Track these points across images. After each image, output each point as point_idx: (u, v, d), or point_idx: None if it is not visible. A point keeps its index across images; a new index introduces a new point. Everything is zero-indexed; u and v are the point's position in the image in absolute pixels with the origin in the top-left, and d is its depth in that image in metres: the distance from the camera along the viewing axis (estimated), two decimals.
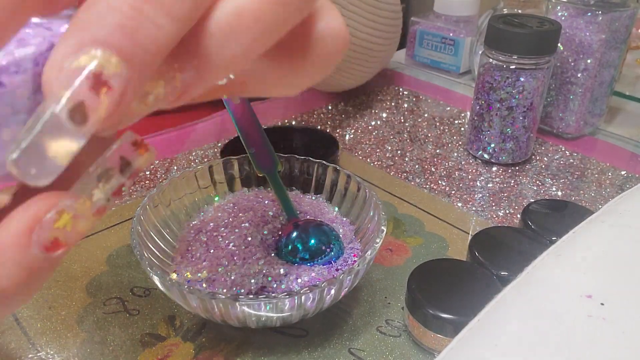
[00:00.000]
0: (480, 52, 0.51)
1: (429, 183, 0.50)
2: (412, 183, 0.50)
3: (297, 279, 0.33)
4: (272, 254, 0.36)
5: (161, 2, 0.14)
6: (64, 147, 0.14)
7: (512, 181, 0.50)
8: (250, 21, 0.16)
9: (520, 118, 0.50)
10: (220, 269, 0.34)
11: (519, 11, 0.63)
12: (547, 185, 0.50)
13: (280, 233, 0.37)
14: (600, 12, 0.50)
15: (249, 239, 0.36)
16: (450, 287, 0.33)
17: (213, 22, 0.16)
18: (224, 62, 0.17)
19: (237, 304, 0.29)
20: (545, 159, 0.54)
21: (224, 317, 0.30)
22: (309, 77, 0.19)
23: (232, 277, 0.33)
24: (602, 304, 0.25)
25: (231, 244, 0.36)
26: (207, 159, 0.53)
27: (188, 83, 0.17)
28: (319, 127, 0.59)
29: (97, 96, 0.14)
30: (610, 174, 0.51)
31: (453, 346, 0.25)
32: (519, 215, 0.45)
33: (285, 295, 0.29)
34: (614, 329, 0.24)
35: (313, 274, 0.34)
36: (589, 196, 0.48)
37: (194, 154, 0.54)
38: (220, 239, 0.36)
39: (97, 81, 0.14)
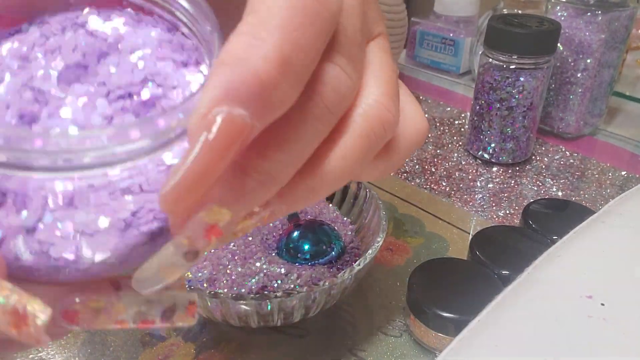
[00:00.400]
0: (480, 53, 0.51)
1: (429, 183, 0.50)
2: (413, 183, 0.50)
3: (297, 278, 0.33)
4: (273, 254, 0.36)
5: (265, 175, 0.18)
6: (173, 275, 0.18)
7: (513, 181, 0.50)
8: (354, 167, 0.21)
9: (520, 118, 0.50)
10: (220, 268, 0.34)
11: (519, 11, 0.63)
12: (548, 186, 0.50)
13: (281, 232, 0.37)
14: (599, 12, 0.50)
15: (250, 238, 0.37)
16: (451, 286, 0.33)
17: (320, 171, 0.20)
18: (318, 198, 0.21)
19: (238, 303, 0.29)
20: (545, 159, 0.54)
21: (224, 316, 0.30)
22: (397, 166, 0.23)
23: (233, 277, 0.33)
24: (602, 304, 0.25)
25: (232, 244, 0.36)
26: None
27: (275, 216, 0.20)
28: None
29: (209, 241, 0.17)
30: (610, 174, 0.51)
31: (453, 347, 0.25)
32: (519, 216, 0.45)
33: (286, 294, 0.29)
34: (614, 329, 0.24)
35: (314, 274, 0.34)
36: (589, 196, 0.48)
37: None
38: None
39: (213, 230, 0.17)
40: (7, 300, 0.16)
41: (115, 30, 0.20)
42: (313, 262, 0.35)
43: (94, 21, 0.20)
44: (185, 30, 0.21)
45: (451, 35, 0.69)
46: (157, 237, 0.19)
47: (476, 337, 0.25)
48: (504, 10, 0.64)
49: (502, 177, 0.51)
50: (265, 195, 0.18)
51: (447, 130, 0.59)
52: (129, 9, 0.21)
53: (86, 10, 0.20)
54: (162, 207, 0.16)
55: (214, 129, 0.16)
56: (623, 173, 0.51)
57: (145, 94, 0.19)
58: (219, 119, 0.16)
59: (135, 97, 0.19)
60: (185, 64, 0.20)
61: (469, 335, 0.25)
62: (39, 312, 0.16)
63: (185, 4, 0.20)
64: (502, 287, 0.29)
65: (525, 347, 0.24)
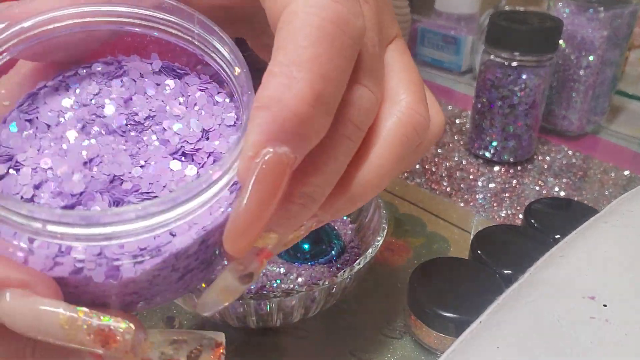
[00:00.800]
0: (481, 50, 0.51)
1: (430, 183, 0.49)
2: (413, 183, 0.49)
3: (297, 278, 0.33)
4: None
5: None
6: (231, 297, 0.20)
7: (514, 180, 0.50)
8: (391, 173, 0.22)
9: (522, 116, 0.49)
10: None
11: (521, 8, 0.62)
12: (550, 185, 0.49)
13: None
14: (602, 9, 0.50)
15: None
16: (453, 287, 0.32)
17: (358, 182, 0.22)
18: (361, 204, 0.22)
19: (236, 303, 0.28)
20: (547, 158, 0.54)
21: (223, 317, 0.30)
22: (416, 162, 0.25)
23: None
24: (604, 305, 0.25)
25: None
26: None
27: (321, 223, 0.22)
28: None
29: (261, 264, 0.19)
30: (613, 173, 0.51)
31: (455, 348, 0.25)
32: (521, 215, 0.44)
33: (286, 294, 0.28)
34: (616, 330, 0.23)
35: (313, 273, 0.34)
36: (592, 196, 0.48)
37: None
38: None
39: (263, 253, 0.19)
40: (91, 322, 0.17)
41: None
42: (313, 262, 0.35)
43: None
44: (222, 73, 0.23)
45: (452, 33, 0.68)
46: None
47: (478, 338, 0.25)
48: (506, 7, 0.64)
49: (503, 176, 0.51)
50: (307, 215, 0.20)
51: (448, 129, 0.58)
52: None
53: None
54: (229, 250, 0.18)
55: (264, 169, 0.17)
56: (626, 172, 0.51)
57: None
58: (267, 159, 0.17)
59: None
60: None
61: (471, 336, 0.25)
62: (124, 329, 0.18)
63: (221, 48, 0.22)
64: (503, 287, 0.29)
65: (528, 349, 0.23)
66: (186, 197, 0.18)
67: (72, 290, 0.19)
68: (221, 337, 0.20)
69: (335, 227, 0.37)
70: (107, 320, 0.18)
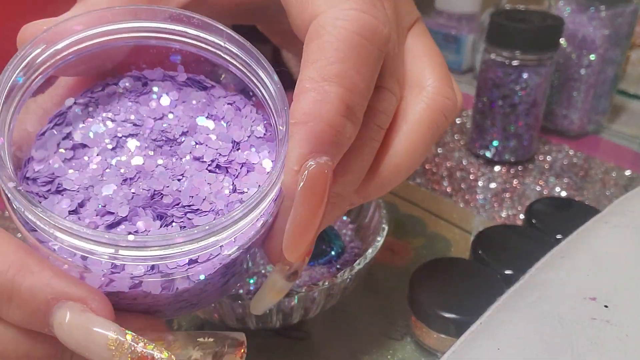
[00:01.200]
0: (482, 49, 0.51)
1: (430, 183, 0.49)
2: (414, 183, 0.49)
3: None
4: None
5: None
6: (280, 295, 0.23)
7: (515, 180, 0.50)
8: (421, 158, 0.24)
9: (523, 115, 0.49)
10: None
11: (522, 7, 0.62)
12: (551, 185, 0.49)
13: None
14: (603, 8, 0.50)
15: None
16: (454, 287, 0.32)
17: (390, 167, 0.23)
18: (393, 187, 0.24)
19: (236, 304, 0.28)
20: (548, 158, 0.53)
21: (222, 317, 0.30)
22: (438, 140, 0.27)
23: None
24: (606, 306, 0.25)
25: None
26: None
27: (354, 205, 0.25)
28: None
29: (303, 261, 0.21)
30: (614, 173, 0.51)
31: (455, 349, 0.24)
32: (522, 215, 0.44)
33: (286, 295, 0.28)
34: (618, 331, 0.23)
35: (313, 274, 0.33)
36: (593, 196, 0.48)
37: None
38: None
39: (306, 252, 0.20)
40: (136, 348, 0.18)
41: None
42: (312, 262, 0.34)
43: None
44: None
45: (453, 32, 0.68)
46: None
47: (478, 339, 0.25)
48: (507, 6, 0.63)
49: (504, 176, 0.50)
50: (340, 211, 0.23)
51: (449, 129, 0.58)
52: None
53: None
54: (290, 258, 0.20)
55: (310, 180, 0.19)
56: (627, 172, 0.51)
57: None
58: (311, 170, 0.19)
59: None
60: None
61: (472, 337, 0.25)
62: (165, 357, 0.19)
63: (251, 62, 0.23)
64: (505, 287, 0.29)
65: (529, 350, 0.23)
66: (235, 219, 0.19)
67: (130, 302, 0.20)
68: (242, 336, 0.21)
69: (335, 228, 0.37)
70: (150, 349, 0.18)
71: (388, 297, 0.36)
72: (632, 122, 0.60)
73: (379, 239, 0.32)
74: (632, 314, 0.24)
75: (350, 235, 0.37)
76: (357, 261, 0.30)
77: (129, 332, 0.19)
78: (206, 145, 0.22)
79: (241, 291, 0.32)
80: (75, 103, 0.23)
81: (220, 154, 0.22)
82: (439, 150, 0.54)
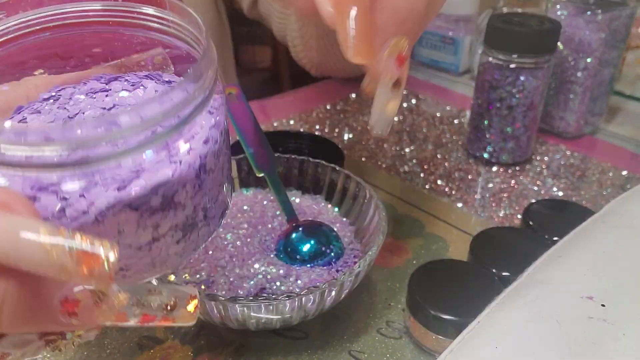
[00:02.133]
0: (480, 52, 0.51)
1: (428, 183, 0.50)
2: (412, 183, 0.49)
3: (296, 280, 0.33)
4: (272, 255, 0.35)
5: None
6: (394, 107, 0.25)
7: (513, 181, 0.50)
8: None
9: (521, 117, 0.50)
10: (219, 270, 0.34)
11: (519, 10, 0.63)
12: (548, 186, 0.49)
13: (279, 234, 0.37)
14: (599, 11, 0.50)
15: (248, 240, 0.36)
16: (452, 288, 0.32)
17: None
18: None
19: (236, 305, 0.28)
20: (545, 158, 0.54)
21: (222, 319, 0.30)
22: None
23: (231, 279, 0.33)
24: (602, 305, 0.25)
25: (230, 245, 0.36)
26: None
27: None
28: (322, 134, 0.58)
29: (403, 68, 0.24)
30: (611, 174, 0.51)
31: (453, 348, 0.25)
32: (519, 216, 0.44)
33: (285, 296, 0.28)
34: (614, 330, 0.24)
35: (313, 275, 0.34)
36: (590, 196, 0.48)
37: None
38: (219, 240, 0.36)
39: (400, 58, 0.24)
40: (73, 241, 0.16)
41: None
42: (312, 264, 0.35)
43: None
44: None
45: (450, 34, 0.68)
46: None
47: (476, 337, 0.25)
48: (504, 8, 0.64)
49: (502, 177, 0.51)
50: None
51: (446, 130, 0.58)
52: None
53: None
54: (357, 60, 0.23)
55: None
56: (624, 173, 0.51)
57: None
58: None
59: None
60: None
61: (469, 337, 0.25)
62: (108, 250, 0.16)
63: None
64: (502, 288, 0.29)
65: (525, 349, 0.23)
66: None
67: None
68: (194, 290, 0.20)
69: (335, 229, 0.37)
70: (92, 240, 0.16)
71: (386, 297, 0.37)
72: (628, 122, 0.60)
73: (378, 240, 0.32)
74: (628, 312, 0.24)
75: (349, 236, 0.37)
76: (357, 264, 0.31)
77: (61, 227, 0.16)
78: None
79: (241, 292, 0.32)
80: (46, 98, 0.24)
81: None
82: (437, 151, 0.54)
